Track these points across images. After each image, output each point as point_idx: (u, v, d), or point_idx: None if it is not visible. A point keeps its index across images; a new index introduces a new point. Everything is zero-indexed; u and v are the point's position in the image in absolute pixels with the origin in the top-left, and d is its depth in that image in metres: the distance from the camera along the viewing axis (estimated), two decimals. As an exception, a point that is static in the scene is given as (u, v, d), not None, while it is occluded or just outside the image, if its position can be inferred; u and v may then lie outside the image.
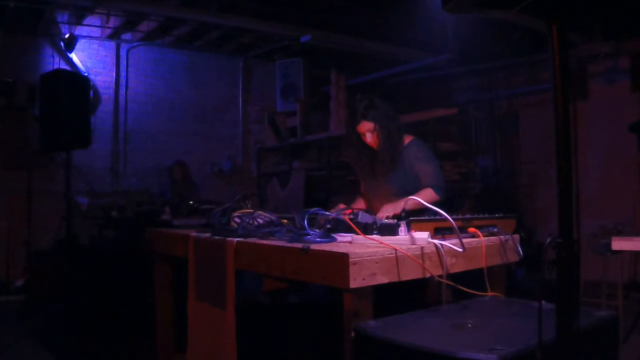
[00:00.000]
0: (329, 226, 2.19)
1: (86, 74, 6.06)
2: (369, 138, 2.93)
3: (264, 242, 2.12)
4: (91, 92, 5.60)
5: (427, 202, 2.10)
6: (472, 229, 2.11)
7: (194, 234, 2.52)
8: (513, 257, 2.23)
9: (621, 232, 4.34)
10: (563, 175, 1.29)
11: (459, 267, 2.00)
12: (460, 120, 6.76)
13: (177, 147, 6.98)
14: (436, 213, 2.02)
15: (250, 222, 2.33)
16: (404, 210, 2.32)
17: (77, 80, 4.34)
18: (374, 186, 3.04)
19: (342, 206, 2.74)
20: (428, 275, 1.89)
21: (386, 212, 2.60)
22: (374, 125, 2.89)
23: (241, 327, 2.18)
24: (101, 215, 5.02)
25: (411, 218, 2.05)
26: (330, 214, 2.24)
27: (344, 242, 2.02)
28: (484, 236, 2.10)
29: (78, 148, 4.28)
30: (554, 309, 1.27)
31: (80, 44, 6.26)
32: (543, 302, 1.35)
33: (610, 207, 5.44)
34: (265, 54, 7.31)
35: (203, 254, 2.40)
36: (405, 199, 2.59)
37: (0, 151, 5.79)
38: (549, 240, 1.28)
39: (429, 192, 2.77)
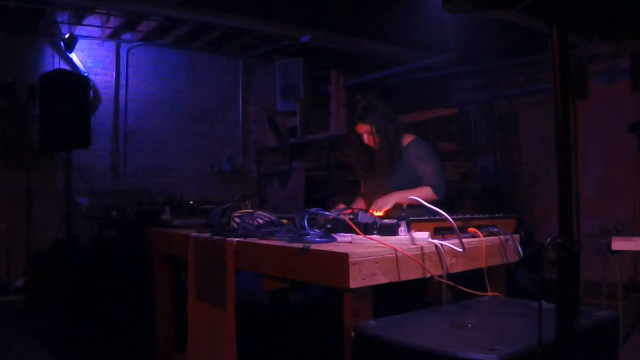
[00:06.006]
0: (329, 226, 2.19)
1: (86, 74, 6.05)
2: (367, 139, 2.94)
3: (264, 242, 2.12)
4: (91, 92, 5.59)
5: (424, 201, 2.09)
6: (472, 229, 2.11)
7: (194, 234, 2.52)
8: (513, 257, 2.23)
9: (621, 232, 4.34)
10: (563, 175, 1.29)
11: (459, 267, 2.00)
12: (460, 120, 6.74)
13: (177, 147, 6.98)
14: (436, 213, 2.02)
15: (250, 222, 2.33)
16: (403, 208, 2.32)
17: (77, 80, 4.34)
18: (374, 186, 3.04)
19: (342, 206, 2.74)
20: (428, 275, 1.89)
21: (378, 207, 2.60)
22: (370, 127, 2.89)
23: (241, 327, 2.18)
24: (101, 215, 5.01)
25: (411, 218, 2.05)
26: (330, 214, 2.24)
27: (344, 242, 2.02)
28: (484, 236, 2.10)
29: (78, 148, 4.29)
30: (554, 309, 1.27)
31: (80, 44, 6.25)
32: (543, 302, 1.35)
33: (610, 207, 5.43)
34: (265, 54, 7.31)
35: (203, 254, 2.40)
36: (400, 195, 2.60)
37: (0, 151, 5.78)
38: (549, 240, 1.28)
39: (426, 190, 2.76)
